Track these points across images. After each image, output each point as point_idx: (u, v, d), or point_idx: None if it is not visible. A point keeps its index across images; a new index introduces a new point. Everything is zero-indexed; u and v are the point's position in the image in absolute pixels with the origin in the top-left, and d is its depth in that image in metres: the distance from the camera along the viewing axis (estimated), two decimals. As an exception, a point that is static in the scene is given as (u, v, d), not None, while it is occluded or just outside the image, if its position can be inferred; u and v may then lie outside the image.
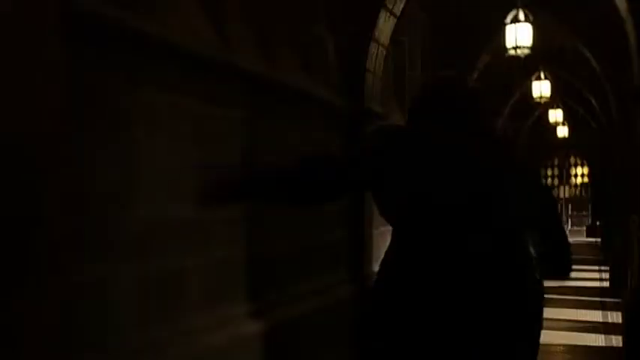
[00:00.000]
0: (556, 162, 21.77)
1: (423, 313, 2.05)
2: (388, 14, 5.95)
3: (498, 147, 2.30)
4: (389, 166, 2.12)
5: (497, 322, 2.07)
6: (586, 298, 8.34)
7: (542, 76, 12.10)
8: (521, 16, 7.96)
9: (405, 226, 2.15)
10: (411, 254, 2.12)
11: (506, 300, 2.07)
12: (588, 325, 6.61)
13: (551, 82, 12.17)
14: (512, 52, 8.08)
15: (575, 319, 6.97)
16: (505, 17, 8.05)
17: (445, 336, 2.04)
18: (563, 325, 6.58)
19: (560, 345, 5.81)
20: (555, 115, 15.91)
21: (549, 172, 21.86)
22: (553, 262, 2.37)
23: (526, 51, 8.04)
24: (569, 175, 21.92)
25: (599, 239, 15.56)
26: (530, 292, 2.18)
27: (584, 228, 20.94)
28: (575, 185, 22.03)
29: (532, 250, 2.21)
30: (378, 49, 5.96)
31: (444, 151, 2.11)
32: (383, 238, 6.48)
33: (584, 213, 21.62)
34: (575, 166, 21.74)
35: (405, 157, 2.11)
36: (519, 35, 7.95)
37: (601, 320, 6.86)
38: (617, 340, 5.50)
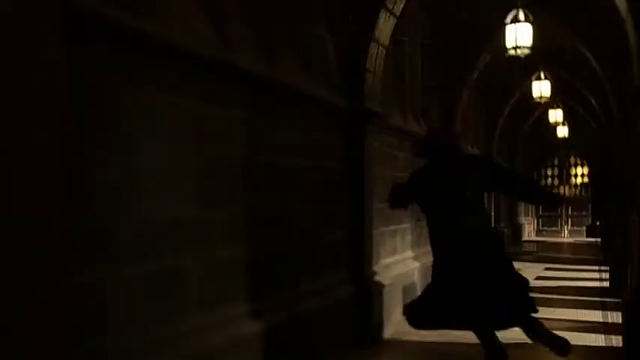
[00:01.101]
0: (556, 162, 21.72)
1: (446, 244, 4.04)
2: (388, 14, 5.95)
3: (463, 157, 4.30)
4: (414, 185, 4.21)
5: (483, 246, 3.99)
6: (586, 298, 8.32)
7: (542, 76, 12.07)
8: (521, 16, 7.94)
9: (427, 212, 4.17)
10: (433, 224, 4.14)
11: (483, 235, 4.05)
12: (588, 325, 6.58)
13: (551, 82, 12.14)
14: (512, 52, 8.06)
15: (575, 319, 6.94)
16: (505, 17, 8.03)
17: (461, 256, 3.96)
18: (563, 325, 6.55)
19: (560, 345, 5.81)
20: (555, 115, 15.88)
21: (549, 172, 21.84)
22: (538, 195, 4.58)
23: (526, 51, 8.02)
24: (569, 175, 21.85)
25: (599, 239, 15.54)
26: (493, 233, 4.29)
27: (584, 228, 20.94)
28: (575, 185, 21.97)
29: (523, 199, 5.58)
30: (378, 49, 5.96)
31: (436, 174, 4.09)
32: (383, 239, 6.48)
33: (584, 213, 21.57)
34: (575, 166, 21.69)
35: (419, 180, 4.18)
36: (519, 35, 7.94)
37: (601, 320, 6.84)
38: (617, 340, 5.48)
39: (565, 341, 4.29)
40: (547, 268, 11.77)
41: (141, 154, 3.01)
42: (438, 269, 4.11)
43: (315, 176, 4.93)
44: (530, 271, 11.57)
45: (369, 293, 5.67)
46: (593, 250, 15.21)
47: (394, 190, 4.28)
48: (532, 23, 7.99)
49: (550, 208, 5.70)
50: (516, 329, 4.19)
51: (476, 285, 3.92)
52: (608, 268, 9.83)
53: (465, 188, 3.99)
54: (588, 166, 21.39)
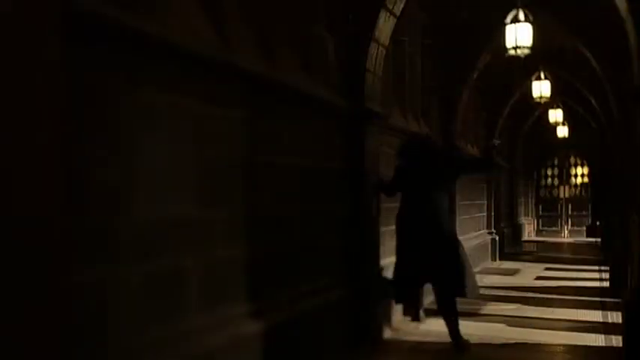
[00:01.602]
0: (556, 162, 21.71)
1: (413, 221, 5.62)
2: (388, 14, 5.95)
3: (438, 151, 6.06)
4: (399, 174, 5.80)
5: (441, 222, 5.62)
6: (586, 298, 8.31)
7: (542, 76, 12.06)
8: (521, 16, 7.93)
9: (405, 192, 5.75)
10: (407, 201, 5.73)
11: (441, 214, 5.64)
12: (588, 325, 6.57)
13: (551, 82, 12.13)
14: (512, 52, 8.05)
15: (575, 319, 6.94)
16: (505, 17, 8.02)
17: (424, 231, 5.53)
18: (563, 325, 6.56)
19: (560, 345, 5.80)
20: (555, 115, 15.86)
21: (549, 172, 21.83)
22: (478, 165, 7.02)
23: (526, 51, 8.01)
24: (569, 175, 21.82)
25: (599, 239, 15.54)
26: (448, 212, 5.91)
27: (584, 228, 20.92)
28: (575, 185, 21.93)
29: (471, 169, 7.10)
30: (378, 49, 5.95)
31: (416, 165, 5.68)
32: (383, 239, 6.47)
33: (584, 213, 21.53)
34: (575, 166, 21.66)
35: (403, 169, 5.77)
36: (519, 35, 7.93)
37: (601, 320, 6.83)
38: (617, 340, 5.48)
39: (466, 344, 5.43)
40: (547, 268, 11.76)
41: (141, 154, 3.01)
42: (404, 230, 5.63)
43: (315, 176, 4.93)
44: (530, 271, 11.60)
45: (369, 293, 5.67)
46: (593, 250, 15.21)
47: (384, 184, 5.91)
48: (532, 23, 7.98)
49: (486, 170, 7.98)
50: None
51: (433, 245, 5.46)
52: (608, 268, 9.83)
53: (431, 176, 5.59)
54: (588, 166, 21.36)
